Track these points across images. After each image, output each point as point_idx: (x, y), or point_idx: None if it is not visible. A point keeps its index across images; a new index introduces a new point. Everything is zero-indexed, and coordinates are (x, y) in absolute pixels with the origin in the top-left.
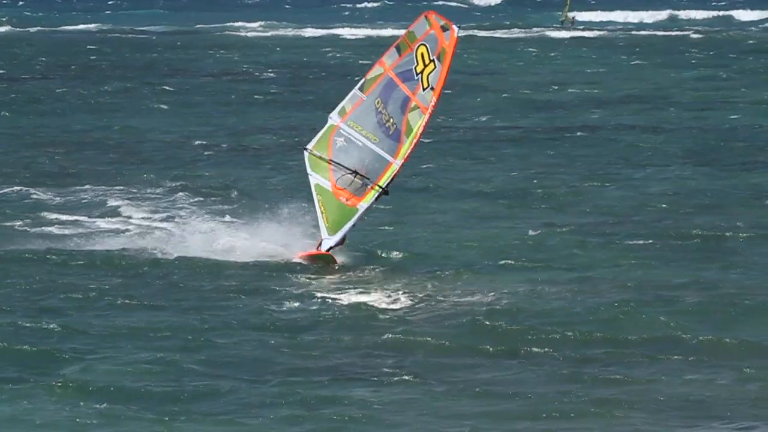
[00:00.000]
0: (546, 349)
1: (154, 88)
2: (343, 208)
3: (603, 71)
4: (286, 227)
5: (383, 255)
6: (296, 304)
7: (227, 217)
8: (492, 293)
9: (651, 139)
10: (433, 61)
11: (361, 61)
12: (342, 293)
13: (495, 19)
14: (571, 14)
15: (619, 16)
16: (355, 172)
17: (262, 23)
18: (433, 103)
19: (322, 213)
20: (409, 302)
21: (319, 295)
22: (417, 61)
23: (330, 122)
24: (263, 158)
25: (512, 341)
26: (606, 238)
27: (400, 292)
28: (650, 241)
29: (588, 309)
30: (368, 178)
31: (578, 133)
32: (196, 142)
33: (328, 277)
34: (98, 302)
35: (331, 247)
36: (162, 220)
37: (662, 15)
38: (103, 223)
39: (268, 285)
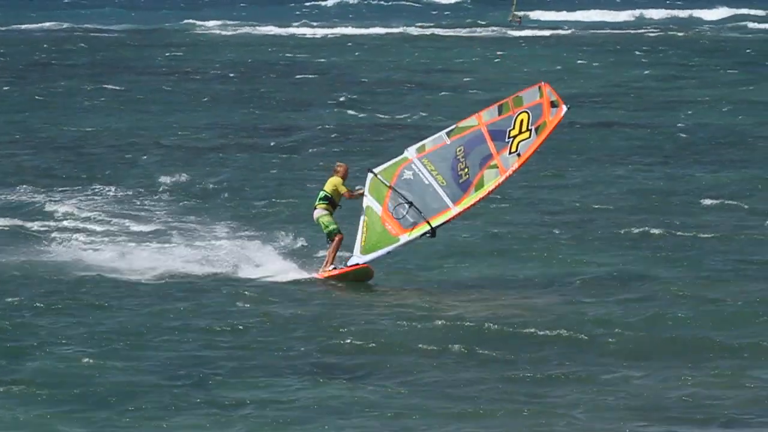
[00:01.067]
0: (491, 349)
1: (103, 87)
2: (385, 235)
3: (556, 69)
4: (229, 228)
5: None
6: (237, 306)
7: (170, 218)
8: (441, 292)
9: (600, 137)
10: (530, 130)
11: (314, 60)
12: (287, 292)
13: (456, 18)
14: (518, 13)
15: (581, 15)
16: (411, 204)
17: (220, 22)
18: (514, 168)
19: (363, 233)
20: (356, 302)
21: (262, 297)
22: (514, 126)
23: (405, 154)
24: (206, 157)
25: (457, 341)
26: (552, 236)
27: (348, 293)
28: (596, 240)
29: (535, 308)
30: (421, 212)
31: None
32: (142, 142)
33: (273, 278)
34: (34, 305)
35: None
36: (101, 222)
37: (625, 15)
38: (37, 226)
39: (209, 287)
